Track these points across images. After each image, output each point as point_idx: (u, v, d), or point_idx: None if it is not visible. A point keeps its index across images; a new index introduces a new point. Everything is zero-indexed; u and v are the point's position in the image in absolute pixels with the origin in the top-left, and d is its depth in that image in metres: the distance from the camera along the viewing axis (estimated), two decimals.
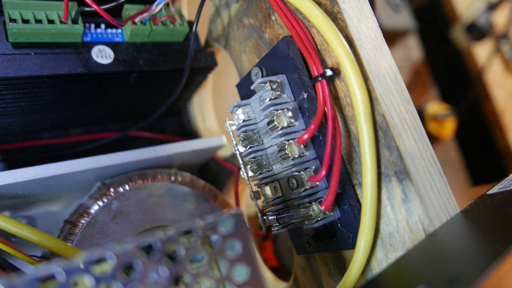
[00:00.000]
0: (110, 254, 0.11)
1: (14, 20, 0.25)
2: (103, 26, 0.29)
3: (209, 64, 0.33)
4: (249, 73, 0.27)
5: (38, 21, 0.25)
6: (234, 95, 0.29)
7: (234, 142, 0.26)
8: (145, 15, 0.28)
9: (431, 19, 0.91)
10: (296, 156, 0.21)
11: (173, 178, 0.30)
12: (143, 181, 0.29)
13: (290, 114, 0.22)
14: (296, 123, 0.22)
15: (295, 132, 0.22)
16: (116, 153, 0.29)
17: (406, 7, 0.82)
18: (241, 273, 0.13)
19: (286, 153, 0.22)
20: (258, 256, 0.14)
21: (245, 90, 0.28)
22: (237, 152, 0.26)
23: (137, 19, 0.28)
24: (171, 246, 0.12)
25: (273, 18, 0.27)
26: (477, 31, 0.84)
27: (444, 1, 0.89)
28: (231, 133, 0.27)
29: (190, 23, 0.32)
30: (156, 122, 0.40)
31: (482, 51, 0.85)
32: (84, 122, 0.36)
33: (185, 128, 0.41)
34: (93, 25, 0.29)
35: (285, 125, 0.22)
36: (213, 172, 0.37)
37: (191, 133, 0.41)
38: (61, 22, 0.26)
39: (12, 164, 0.33)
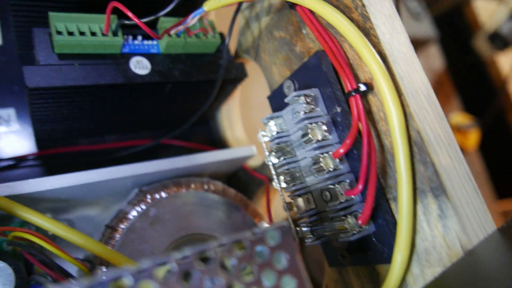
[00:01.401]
0: (171, 262, 0.12)
1: (60, 33, 0.26)
2: (139, 37, 0.30)
3: (240, 75, 0.33)
4: (281, 86, 0.28)
5: (82, 33, 0.27)
6: (261, 104, 0.30)
7: (267, 153, 0.27)
8: (181, 27, 0.29)
9: (453, 28, 0.90)
10: (331, 169, 0.22)
11: (206, 186, 0.31)
12: (178, 189, 0.30)
13: (324, 127, 0.23)
14: (330, 137, 0.23)
15: (329, 145, 0.23)
16: (153, 161, 0.30)
17: (427, 15, 0.82)
18: (288, 284, 0.13)
19: (321, 166, 0.22)
20: (304, 268, 0.15)
21: (277, 102, 0.28)
22: (270, 163, 0.27)
23: (172, 32, 0.29)
24: (225, 255, 0.13)
25: (304, 32, 0.27)
26: (500, 40, 0.83)
27: (466, 9, 0.89)
28: (263, 144, 0.27)
29: (221, 35, 0.33)
30: (185, 130, 0.41)
31: (505, 60, 0.84)
32: (119, 129, 0.37)
33: (212, 136, 0.42)
34: (130, 37, 0.30)
35: (319, 138, 0.23)
36: (242, 181, 0.38)
37: (218, 142, 0.42)
38: (103, 34, 0.27)
39: (51, 168, 0.35)
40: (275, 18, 0.30)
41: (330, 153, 0.22)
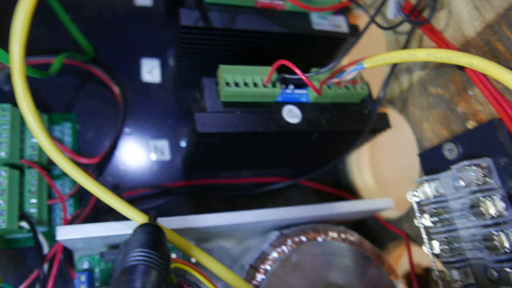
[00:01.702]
0: None
1: (228, 84, 0.28)
2: (291, 86, 0.32)
3: (383, 126, 0.33)
4: (438, 146, 0.27)
5: (245, 84, 0.29)
6: (388, 148, 0.29)
7: (418, 215, 0.26)
8: (335, 80, 0.30)
9: None
10: (508, 250, 0.20)
11: (343, 236, 0.31)
12: (316, 236, 0.31)
13: (500, 203, 0.21)
14: (506, 213, 0.21)
15: (505, 223, 0.21)
16: (296, 207, 0.31)
17: None
18: None
19: (494, 244, 0.21)
20: None
21: (431, 162, 0.27)
22: (421, 226, 0.26)
23: (326, 84, 0.30)
24: None
25: (470, 93, 0.26)
26: None
27: None
28: (415, 205, 0.26)
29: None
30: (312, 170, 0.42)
31: None
32: (255, 166, 0.39)
33: (339, 178, 0.42)
34: (283, 86, 0.31)
35: (493, 214, 0.21)
36: (372, 230, 0.37)
37: (345, 185, 0.42)
38: (263, 85, 0.29)
39: (193, 198, 0.38)
40: (432, 74, 0.29)
41: (506, 231, 0.21)
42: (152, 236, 0.23)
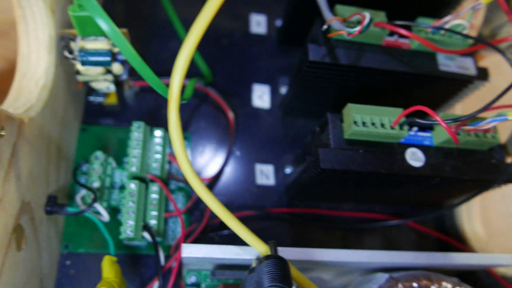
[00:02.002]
0: None
1: (355, 123, 0.29)
2: (414, 128, 0.31)
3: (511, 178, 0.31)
4: None
5: (373, 124, 0.29)
6: (502, 198, 0.27)
7: None
8: (469, 128, 0.29)
9: None
10: None
11: None
12: (430, 285, 0.29)
13: None
14: None
15: None
16: (409, 252, 0.30)
17: None
18: None
19: None
20: None
21: None
22: None
23: (457, 130, 0.29)
24: None
25: None
26: None
27: None
28: None
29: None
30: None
31: None
32: (357, 200, 0.39)
33: (444, 222, 0.40)
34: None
35: None
36: (483, 284, 0.35)
37: (451, 230, 0.40)
38: (391, 127, 0.29)
39: (294, 225, 0.38)
40: None
41: None
42: (282, 269, 0.24)
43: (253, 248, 0.29)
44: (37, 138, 0.27)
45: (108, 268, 0.29)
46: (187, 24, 0.39)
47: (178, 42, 0.41)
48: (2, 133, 0.20)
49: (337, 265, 0.33)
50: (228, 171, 0.39)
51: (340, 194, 0.36)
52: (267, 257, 0.25)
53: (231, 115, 0.39)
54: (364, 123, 0.29)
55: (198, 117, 0.40)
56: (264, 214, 0.38)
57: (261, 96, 0.42)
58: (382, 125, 0.29)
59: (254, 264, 0.27)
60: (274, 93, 0.42)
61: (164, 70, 0.39)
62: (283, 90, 0.42)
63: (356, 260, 0.29)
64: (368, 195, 0.36)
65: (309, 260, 0.30)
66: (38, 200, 0.29)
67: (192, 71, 0.40)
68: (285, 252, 0.29)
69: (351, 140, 0.29)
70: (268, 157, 0.40)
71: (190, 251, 0.29)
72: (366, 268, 0.34)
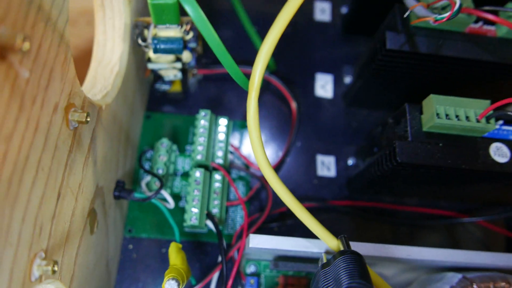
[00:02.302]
0: None
1: (438, 115, 0.27)
2: (499, 122, 0.29)
3: None
4: None
5: (457, 116, 0.27)
6: None
7: None
8: None
9: None
10: None
11: None
12: (507, 286, 0.28)
13: None
14: None
15: None
16: (486, 253, 0.28)
17: None
18: None
19: None
20: None
21: None
22: None
23: None
24: None
25: None
26: None
27: None
28: None
29: None
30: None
31: None
32: (423, 195, 0.37)
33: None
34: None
35: None
36: None
37: None
38: (476, 120, 0.27)
39: (355, 218, 0.37)
40: None
41: None
42: (360, 265, 0.23)
43: (322, 242, 0.28)
44: (111, 124, 0.28)
45: (175, 254, 0.29)
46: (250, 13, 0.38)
47: (231, 31, 0.41)
48: (87, 120, 0.21)
49: (401, 262, 0.31)
50: (289, 161, 0.38)
51: (407, 188, 0.35)
52: (342, 252, 0.24)
53: (294, 105, 0.38)
54: (447, 116, 0.27)
55: (259, 106, 0.39)
56: (325, 206, 0.37)
57: (324, 86, 0.40)
58: (467, 118, 0.27)
59: (324, 259, 0.27)
60: (337, 82, 0.41)
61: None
62: (347, 79, 0.40)
63: (430, 259, 0.28)
64: (437, 190, 0.35)
65: (380, 256, 0.28)
66: (109, 185, 0.29)
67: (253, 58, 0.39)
68: (354, 247, 0.28)
69: (430, 133, 0.28)
70: (330, 148, 0.39)
71: (258, 241, 0.28)
72: (433, 266, 0.32)
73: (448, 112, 0.27)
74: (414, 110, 0.28)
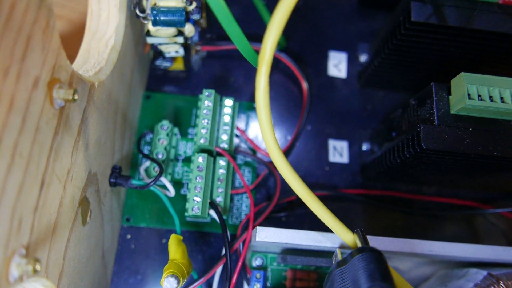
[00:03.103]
0: None
1: (469, 96, 0.24)
2: None
3: None
4: None
5: (490, 97, 0.24)
6: None
7: None
8: None
9: None
10: None
11: None
12: None
13: None
14: None
15: None
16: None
17: None
18: None
19: None
20: None
21: None
22: None
23: None
24: None
25: None
26: None
27: None
28: None
29: None
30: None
31: None
32: (442, 183, 0.34)
33: None
34: None
35: None
36: None
37: None
38: None
39: (368, 207, 0.34)
40: None
41: None
42: (380, 264, 0.20)
43: (336, 236, 0.25)
44: (105, 104, 0.25)
45: (175, 248, 0.26)
46: None
47: (237, 5, 0.37)
48: (75, 98, 0.18)
49: (419, 256, 0.29)
50: (299, 146, 0.36)
51: (427, 176, 0.32)
52: (360, 250, 0.22)
53: (305, 85, 0.35)
54: (479, 96, 0.24)
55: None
56: (336, 194, 0.35)
57: (337, 65, 0.37)
58: (502, 99, 0.24)
59: (339, 255, 0.24)
60: (351, 61, 0.38)
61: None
62: (363, 58, 0.37)
63: (455, 255, 0.25)
64: (461, 178, 0.32)
65: (399, 251, 0.26)
66: (103, 171, 0.27)
67: (262, 33, 0.36)
68: (371, 242, 0.26)
69: (459, 116, 0.25)
70: (343, 132, 0.36)
71: (266, 235, 0.26)
72: (453, 261, 0.30)
73: (480, 93, 0.24)
74: (441, 91, 0.25)
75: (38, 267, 0.16)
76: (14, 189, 0.16)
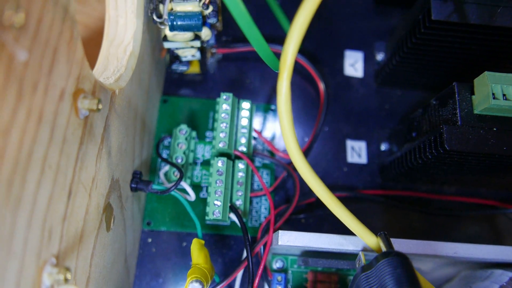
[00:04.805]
0: None
1: (494, 95, 0.24)
2: None
3: None
4: None
5: None
6: None
7: None
8: None
9: None
10: None
11: None
12: None
13: None
14: None
15: None
16: None
17: None
18: None
19: None
20: None
21: None
22: None
23: None
24: None
25: None
26: None
27: None
28: None
29: None
30: None
31: None
32: (463, 183, 0.34)
33: None
34: None
35: None
36: None
37: None
38: None
39: (388, 208, 0.34)
40: None
41: None
42: (407, 269, 0.20)
43: (359, 239, 0.25)
44: (125, 110, 0.25)
45: (197, 252, 0.27)
46: None
47: (249, 4, 0.37)
48: (99, 107, 0.18)
49: (442, 257, 0.29)
50: (316, 148, 0.35)
51: (449, 177, 0.32)
52: (386, 254, 0.21)
53: (321, 85, 0.35)
54: (504, 96, 0.23)
55: None
56: (356, 195, 0.34)
57: (353, 64, 0.37)
58: None
59: (363, 259, 0.24)
60: (368, 60, 0.37)
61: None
62: (379, 57, 0.37)
63: (480, 257, 0.25)
64: (484, 178, 0.31)
65: (424, 254, 0.26)
66: (125, 177, 0.27)
67: (276, 35, 0.36)
68: (394, 244, 0.25)
69: (483, 116, 0.25)
70: (360, 133, 0.36)
71: (288, 239, 0.26)
72: (476, 262, 0.29)
73: (505, 92, 0.23)
74: (464, 90, 0.25)
75: (68, 275, 0.17)
76: (45, 201, 0.16)
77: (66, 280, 0.16)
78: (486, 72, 0.24)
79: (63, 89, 0.17)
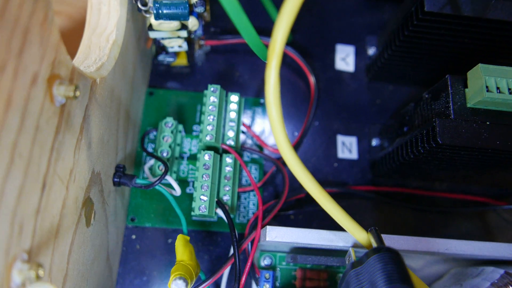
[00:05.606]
0: None
1: (488, 88, 0.23)
2: None
3: None
4: None
5: (509, 90, 0.23)
6: None
7: None
8: None
9: None
10: None
11: None
12: None
13: None
14: None
15: None
16: None
17: None
18: None
19: None
20: None
21: None
22: None
23: None
24: None
25: None
26: None
27: None
28: None
29: None
30: None
31: None
32: (455, 179, 0.33)
33: None
34: None
35: None
36: None
37: None
38: None
39: (379, 205, 0.34)
40: None
41: None
42: (398, 265, 0.20)
43: (349, 234, 0.25)
44: (107, 101, 0.24)
45: (182, 249, 0.26)
46: None
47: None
48: (76, 94, 0.17)
49: (433, 254, 0.28)
50: (306, 142, 0.35)
51: (441, 172, 0.31)
52: (376, 250, 0.21)
53: (312, 79, 0.34)
54: (498, 89, 0.23)
55: None
56: (346, 191, 0.34)
57: (344, 58, 0.36)
58: None
59: (353, 255, 0.23)
60: (359, 54, 0.37)
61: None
62: (371, 51, 0.36)
63: (471, 253, 0.25)
64: (477, 174, 0.31)
65: (414, 250, 0.25)
66: (107, 170, 0.26)
67: (265, 27, 0.35)
68: (385, 240, 0.25)
69: (476, 110, 0.24)
70: (351, 128, 0.35)
71: (276, 234, 0.25)
72: (467, 259, 0.29)
73: (499, 85, 0.23)
74: (457, 83, 0.24)
75: (41, 272, 0.15)
76: (14, 192, 0.15)
77: (38, 277, 0.15)
78: (479, 65, 0.23)
79: (36, 73, 0.16)
